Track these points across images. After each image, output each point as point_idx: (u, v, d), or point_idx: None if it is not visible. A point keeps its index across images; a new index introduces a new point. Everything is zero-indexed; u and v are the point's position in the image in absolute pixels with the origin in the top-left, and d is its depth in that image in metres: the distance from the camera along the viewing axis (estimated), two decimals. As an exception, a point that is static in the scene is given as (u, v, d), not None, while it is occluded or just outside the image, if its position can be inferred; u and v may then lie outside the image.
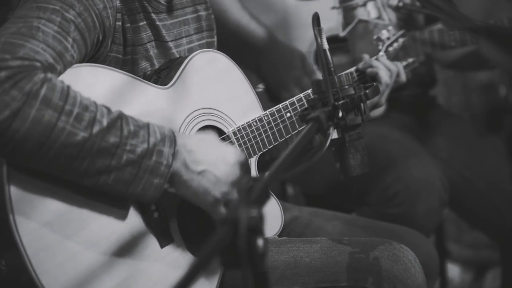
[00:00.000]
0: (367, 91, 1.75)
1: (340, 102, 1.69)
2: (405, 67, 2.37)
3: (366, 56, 2.25)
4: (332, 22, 2.61)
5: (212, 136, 1.80)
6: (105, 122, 1.59)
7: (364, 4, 2.60)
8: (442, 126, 3.01)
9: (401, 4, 2.62)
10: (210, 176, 1.72)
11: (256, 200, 1.27)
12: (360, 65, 2.20)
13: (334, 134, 1.72)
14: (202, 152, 1.72)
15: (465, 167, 2.90)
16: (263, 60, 2.67)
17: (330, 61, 1.76)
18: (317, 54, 2.56)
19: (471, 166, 2.90)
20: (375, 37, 2.41)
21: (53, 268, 1.58)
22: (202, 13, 2.11)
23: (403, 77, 2.27)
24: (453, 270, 3.84)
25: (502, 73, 3.23)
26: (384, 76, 2.16)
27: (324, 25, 1.77)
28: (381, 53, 2.29)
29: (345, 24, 2.60)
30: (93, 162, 1.58)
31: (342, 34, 2.60)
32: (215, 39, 2.16)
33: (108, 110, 1.62)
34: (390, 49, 2.37)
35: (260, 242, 1.21)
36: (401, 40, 2.42)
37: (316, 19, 1.74)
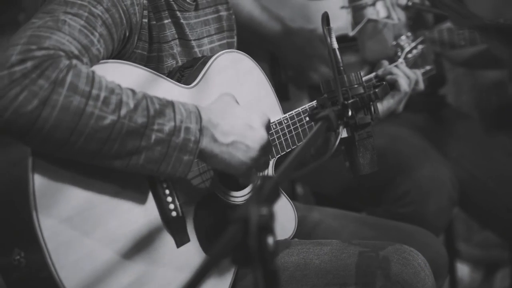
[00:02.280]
0: (377, 90, 1.76)
1: (349, 101, 1.70)
2: (423, 74, 2.35)
3: (385, 63, 2.24)
4: (341, 22, 2.61)
5: (232, 103, 1.80)
6: (131, 103, 1.60)
7: (373, 4, 2.60)
8: (452, 125, 3.01)
9: (410, 3, 2.63)
10: (241, 146, 1.74)
11: (266, 198, 1.27)
12: (380, 72, 2.19)
13: (343, 133, 1.72)
14: (228, 123, 1.73)
15: (475, 166, 2.90)
16: (281, 49, 2.68)
17: (340, 60, 1.76)
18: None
19: (481, 165, 2.90)
20: (394, 43, 2.41)
21: (71, 263, 1.59)
22: (223, 13, 2.11)
23: (422, 85, 2.27)
24: (463, 270, 3.84)
25: (511, 71, 3.22)
26: (403, 84, 2.16)
27: (333, 24, 1.77)
28: (401, 59, 2.28)
29: (355, 24, 2.60)
30: (123, 144, 1.59)
31: (351, 33, 2.60)
32: (235, 39, 2.16)
33: (133, 91, 1.63)
34: (409, 56, 2.36)
35: (270, 240, 1.21)
36: (420, 47, 2.41)
37: (325, 19, 1.75)
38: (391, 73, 2.17)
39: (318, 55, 2.62)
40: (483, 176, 2.88)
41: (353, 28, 2.60)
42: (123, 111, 1.58)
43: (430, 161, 2.71)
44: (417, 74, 2.25)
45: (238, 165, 1.74)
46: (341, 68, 1.76)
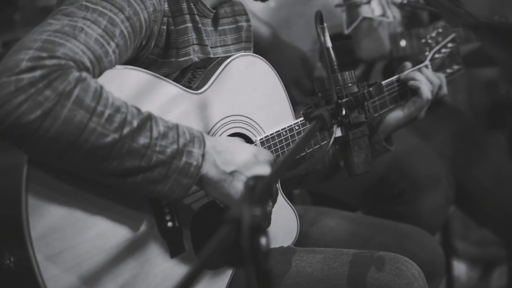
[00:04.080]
0: (370, 89, 1.75)
1: (343, 100, 1.69)
2: (449, 75, 2.29)
3: (408, 65, 2.19)
4: (336, 20, 2.61)
5: (238, 139, 1.79)
6: (135, 123, 1.57)
7: (369, 2, 2.60)
8: (448, 123, 3.01)
9: (405, 1, 2.62)
10: (242, 177, 1.69)
11: (259, 199, 1.27)
12: (403, 76, 2.15)
13: (337, 132, 1.71)
14: (232, 153, 1.69)
15: (471, 164, 2.90)
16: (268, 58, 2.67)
17: (334, 59, 1.76)
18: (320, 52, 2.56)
19: (476, 163, 2.90)
20: (423, 41, 2.35)
21: (59, 273, 1.57)
22: (243, 24, 2.10)
23: (445, 90, 2.20)
24: (460, 268, 3.84)
25: (504, 70, 3.22)
26: (426, 91, 2.12)
27: (328, 22, 1.77)
28: (426, 62, 2.22)
29: (349, 22, 2.60)
30: (122, 163, 1.57)
31: (346, 31, 2.60)
32: (252, 51, 2.14)
33: (138, 110, 1.60)
34: (437, 56, 2.28)
35: (263, 240, 1.20)
36: (450, 45, 2.31)
37: (319, 17, 1.74)
38: (414, 79, 2.13)
39: (295, 76, 2.61)
40: (479, 174, 2.88)
41: (348, 26, 2.59)
42: (125, 130, 1.56)
43: (425, 159, 2.71)
44: (441, 79, 2.19)
45: (237, 197, 1.69)
46: (335, 66, 1.76)
